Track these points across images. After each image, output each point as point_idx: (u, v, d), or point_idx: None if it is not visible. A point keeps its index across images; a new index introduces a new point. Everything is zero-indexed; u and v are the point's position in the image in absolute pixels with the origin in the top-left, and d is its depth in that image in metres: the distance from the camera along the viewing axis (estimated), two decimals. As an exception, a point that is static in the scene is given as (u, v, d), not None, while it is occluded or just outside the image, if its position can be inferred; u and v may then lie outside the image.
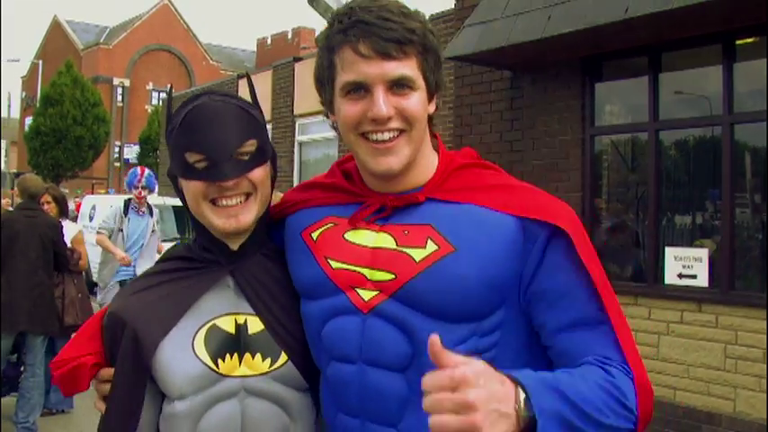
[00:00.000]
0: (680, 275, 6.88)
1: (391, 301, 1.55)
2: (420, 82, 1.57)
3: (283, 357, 1.70)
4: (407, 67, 1.54)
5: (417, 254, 1.55)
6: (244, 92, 11.00)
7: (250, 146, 1.69)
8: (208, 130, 1.65)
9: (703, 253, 6.79)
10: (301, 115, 14.92)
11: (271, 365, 1.69)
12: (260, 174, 1.70)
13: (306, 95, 14.27)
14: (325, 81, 1.63)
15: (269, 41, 65.32)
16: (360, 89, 1.55)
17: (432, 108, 1.64)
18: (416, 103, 1.56)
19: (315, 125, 14.72)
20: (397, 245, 1.59)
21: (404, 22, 1.53)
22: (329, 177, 1.81)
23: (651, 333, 6.95)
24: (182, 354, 1.65)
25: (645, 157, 7.51)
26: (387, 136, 1.56)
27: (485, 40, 7.67)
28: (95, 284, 15.13)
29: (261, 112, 1.78)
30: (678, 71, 7.34)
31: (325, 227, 1.71)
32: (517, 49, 7.47)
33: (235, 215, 1.68)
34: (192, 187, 1.69)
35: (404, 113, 1.55)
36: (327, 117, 1.71)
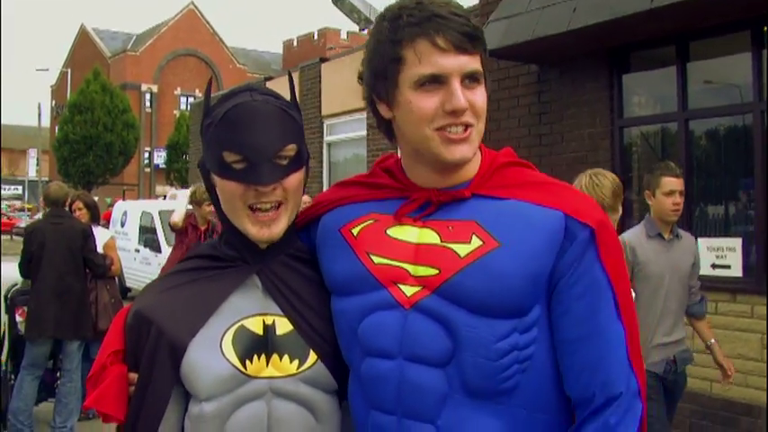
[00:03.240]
0: (713, 266, 6.81)
1: (434, 296, 1.56)
2: (483, 77, 1.60)
3: (312, 358, 1.69)
4: (477, 63, 1.57)
5: (462, 249, 1.56)
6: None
7: (290, 150, 1.68)
8: (248, 131, 1.63)
9: (737, 243, 6.72)
10: (329, 116, 14.86)
11: (299, 367, 1.68)
12: (295, 180, 1.70)
13: (333, 96, 14.20)
14: (385, 74, 1.60)
15: (295, 43, 65.60)
16: (435, 82, 1.55)
17: None
18: (483, 97, 1.59)
19: (343, 125, 14.67)
20: (441, 240, 1.59)
21: (469, 19, 1.57)
22: (369, 177, 1.81)
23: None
24: (210, 355, 1.64)
25: (674, 147, 7.46)
26: (459, 129, 1.57)
27: (510, 34, 7.66)
28: (128, 290, 15.38)
29: (300, 112, 1.77)
30: (706, 60, 7.28)
31: (366, 222, 1.71)
32: (543, 42, 7.44)
33: (268, 225, 1.68)
34: (227, 188, 1.68)
35: (474, 107, 1.57)
36: (376, 111, 1.70)
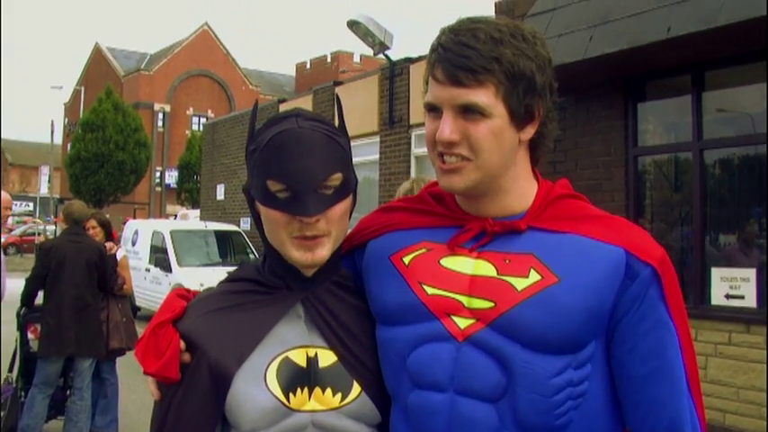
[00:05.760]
0: (727, 296, 6.80)
1: (489, 330, 1.53)
2: (498, 110, 1.53)
3: (355, 391, 1.66)
4: (480, 95, 1.52)
5: (519, 283, 1.53)
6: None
7: (335, 180, 1.64)
8: (293, 160, 1.60)
9: (751, 273, 6.71)
10: None
11: (342, 400, 1.65)
12: (340, 210, 1.66)
13: (347, 119, 13.94)
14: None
15: (308, 65, 65.74)
16: (436, 110, 1.57)
17: (527, 135, 1.61)
18: (486, 130, 1.53)
19: (355, 149, 14.27)
20: (497, 273, 1.56)
21: (490, 50, 1.52)
22: (418, 203, 1.78)
23: (699, 355, 6.81)
24: (255, 386, 1.62)
25: (688, 176, 7.49)
26: (453, 159, 1.56)
27: (525, 61, 7.67)
28: (138, 309, 15.39)
29: (347, 137, 1.73)
30: (721, 89, 7.31)
31: (418, 251, 1.68)
32: (559, 69, 7.25)
33: (312, 249, 1.64)
34: (271, 216, 1.64)
35: (470, 140, 1.54)
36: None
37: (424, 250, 1.67)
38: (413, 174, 13.61)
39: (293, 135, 1.62)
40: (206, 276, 12.50)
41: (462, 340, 1.55)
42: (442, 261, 1.63)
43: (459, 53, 1.51)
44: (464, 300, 1.57)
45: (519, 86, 1.54)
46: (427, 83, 1.59)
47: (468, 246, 1.63)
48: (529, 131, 1.61)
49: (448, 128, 1.53)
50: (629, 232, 1.58)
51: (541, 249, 1.56)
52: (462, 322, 1.56)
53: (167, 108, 60.31)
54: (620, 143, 7.87)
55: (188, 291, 1.83)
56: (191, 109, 61.18)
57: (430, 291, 1.60)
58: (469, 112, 1.53)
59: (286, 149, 1.61)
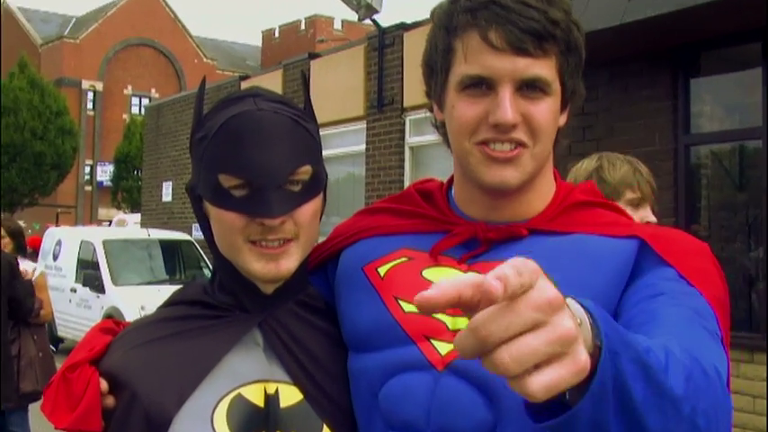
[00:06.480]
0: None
1: None
2: (556, 87, 1.58)
3: None
4: (544, 68, 1.55)
5: None
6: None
7: (303, 173, 1.67)
8: (253, 149, 1.62)
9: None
10: (321, 125, 14.39)
11: None
12: (310, 210, 1.68)
13: (326, 100, 14.10)
14: (437, 67, 1.64)
15: (276, 34, 65.69)
16: (482, 85, 1.56)
17: (562, 121, 1.66)
18: (547, 111, 1.57)
19: (336, 137, 14.68)
20: None
21: (547, 11, 1.53)
22: (402, 202, 1.82)
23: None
24: (199, 431, 1.61)
25: (757, 171, 7.48)
26: (507, 147, 1.57)
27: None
28: (60, 340, 15.29)
29: (316, 124, 1.77)
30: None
31: (397, 261, 1.70)
32: (590, 38, 7.14)
33: (275, 259, 1.65)
34: (224, 219, 1.66)
35: (531, 123, 1.56)
36: (432, 111, 1.73)
37: (403, 259, 1.70)
38: (407, 168, 13.67)
39: (252, 119, 1.64)
40: (149, 298, 12.34)
41: (442, 369, 1.56)
42: (424, 272, 1.65)
43: (523, 14, 1.51)
44: (447, 320, 1.58)
45: (572, 60, 1.60)
46: (448, 50, 1.60)
47: (457, 255, 1.65)
48: (564, 117, 1.66)
49: (511, 108, 1.53)
50: (655, 227, 1.61)
51: (537, 254, 1.50)
52: (444, 347, 1.56)
53: (99, 86, 60.14)
54: (668, 129, 7.90)
55: (118, 323, 1.83)
56: (129, 87, 61.09)
57: (408, 308, 1.61)
58: (531, 88, 1.55)
59: (244, 137, 1.62)
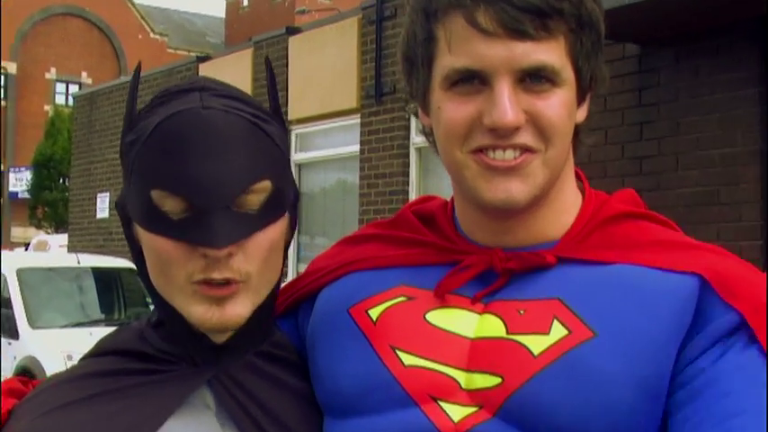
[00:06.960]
0: None
1: (496, 420, 1.56)
2: (568, 74, 1.61)
3: None
4: (550, 52, 1.58)
5: (536, 343, 1.58)
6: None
7: (261, 190, 1.67)
8: (195, 159, 1.61)
9: None
10: (300, 121, 15.21)
11: None
12: (267, 239, 1.69)
13: (307, 89, 14.72)
14: (418, 60, 1.69)
15: (245, 3, 67.30)
16: (473, 80, 1.59)
17: (581, 115, 1.71)
18: (558, 106, 1.61)
19: (321, 135, 15.15)
20: (507, 332, 1.62)
21: None
22: (397, 227, 1.89)
23: None
24: None
25: None
26: (510, 155, 1.60)
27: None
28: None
29: (284, 126, 1.82)
30: None
31: (393, 301, 1.74)
32: (648, 7, 7.55)
33: (220, 303, 1.65)
34: (158, 248, 1.66)
35: (539, 122, 1.59)
36: (417, 116, 1.81)
37: (401, 299, 1.74)
38: (413, 175, 13.92)
39: (195, 120, 1.63)
40: (77, 344, 11.84)
41: None
42: (428, 316, 1.70)
43: None
44: (461, 376, 1.62)
45: (587, 40, 1.64)
46: (429, 39, 1.64)
47: (470, 293, 1.69)
48: (583, 111, 1.71)
49: (511, 106, 1.56)
50: (715, 259, 1.61)
51: (572, 291, 1.63)
52: (456, 411, 1.60)
53: (11, 68, 61.07)
54: (754, 125, 8.05)
55: (26, 382, 1.84)
56: (52, 70, 62.67)
57: (408, 361, 1.66)
58: (535, 79, 1.58)
59: (184, 142, 1.63)
